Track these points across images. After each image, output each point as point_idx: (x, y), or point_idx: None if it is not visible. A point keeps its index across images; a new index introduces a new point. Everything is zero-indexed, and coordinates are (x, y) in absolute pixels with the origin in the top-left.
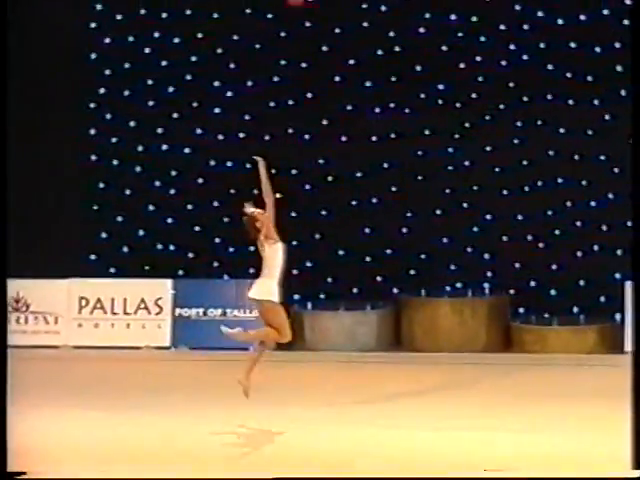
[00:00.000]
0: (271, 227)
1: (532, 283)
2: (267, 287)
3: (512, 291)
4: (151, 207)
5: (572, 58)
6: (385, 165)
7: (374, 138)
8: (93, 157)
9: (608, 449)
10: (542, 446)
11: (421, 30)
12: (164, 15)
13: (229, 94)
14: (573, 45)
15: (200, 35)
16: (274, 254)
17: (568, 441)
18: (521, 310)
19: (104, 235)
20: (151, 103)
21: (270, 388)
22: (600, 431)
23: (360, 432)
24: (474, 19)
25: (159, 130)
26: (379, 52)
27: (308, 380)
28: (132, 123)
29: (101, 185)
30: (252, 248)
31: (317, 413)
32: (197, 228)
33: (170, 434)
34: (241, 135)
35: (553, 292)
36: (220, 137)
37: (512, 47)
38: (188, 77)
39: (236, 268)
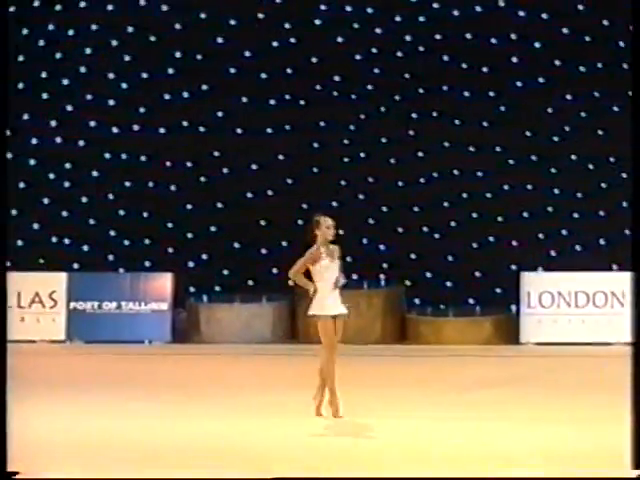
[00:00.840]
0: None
1: (428, 274)
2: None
3: (408, 282)
4: (45, 200)
5: (468, 49)
6: (280, 157)
7: (269, 130)
8: None
9: (505, 439)
10: (445, 437)
11: (317, 22)
12: (58, 7)
13: (124, 86)
14: (469, 36)
15: (94, 27)
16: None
17: (470, 431)
18: (417, 301)
19: None
20: (45, 96)
21: (166, 381)
22: (500, 419)
23: (258, 423)
24: (369, 10)
25: (53, 123)
26: (274, 44)
27: (204, 372)
28: (25, 116)
29: None
30: (147, 241)
31: (211, 405)
32: (92, 221)
33: (62, 427)
34: (136, 127)
35: (449, 283)
36: (115, 130)
37: (408, 38)
38: (82, 69)
39: (131, 261)
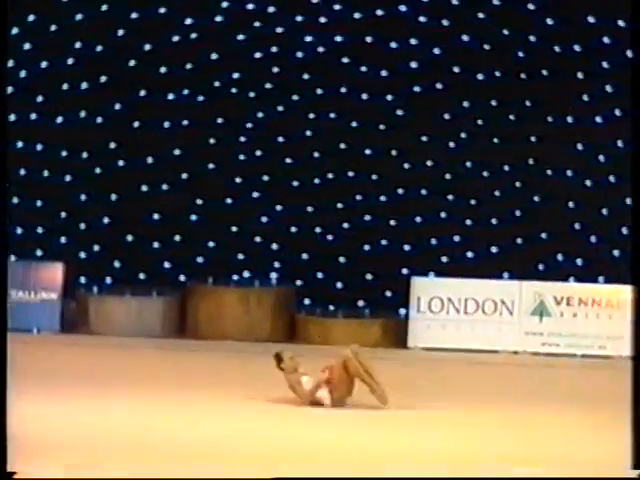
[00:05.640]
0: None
1: (319, 275)
2: None
3: (299, 282)
4: None
5: (367, 53)
6: (177, 152)
7: (167, 124)
8: None
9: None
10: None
11: (218, 19)
12: None
13: (23, 74)
14: (369, 40)
15: None
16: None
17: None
18: (307, 301)
19: None
20: None
21: (53, 372)
22: (391, 422)
23: (147, 417)
24: (271, 10)
25: None
26: (175, 39)
27: (91, 364)
28: None
29: None
30: (40, 230)
31: (99, 397)
32: None
33: None
34: (33, 116)
35: (339, 285)
36: (12, 117)
37: (309, 39)
38: None
39: (22, 250)
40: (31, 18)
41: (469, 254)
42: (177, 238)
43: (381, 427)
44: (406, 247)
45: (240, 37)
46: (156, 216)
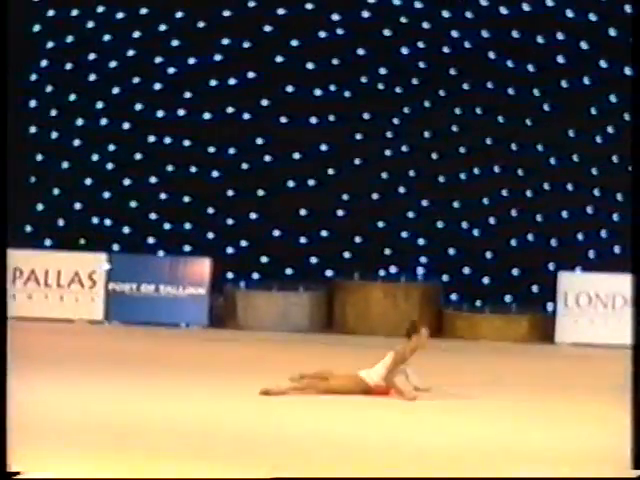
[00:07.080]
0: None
1: (465, 270)
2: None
3: (445, 277)
4: (88, 181)
5: (514, 48)
6: (323, 147)
7: (313, 120)
8: (32, 129)
9: (539, 437)
10: (470, 431)
11: (365, 14)
12: None
13: (171, 70)
14: (516, 35)
15: (144, 11)
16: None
17: (501, 430)
18: (453, 297)
19: (40, 207)
20: (92, 77)
21: (202, 365)
22: (531, 420)
23: (290, 412)
24: (418, 5)
25: (99, 105)
26: (322, 35)
27: (239, 359)
28: (72, 97)
29: (39, 157)
30: (188, 226)
31: (245, 392)
32: (133, 203)
33: (102, 407)
34: (181, 112)
35: (486, 280)
36: (160, 114)
37: (455, 34)
38: (130, 53)
39: (171, 245)
40: (179, 15)
41: (616, 249)
42: (324, 233)
43: (535, 421)
44: (553, 242)
45: (387, 32)
46: (303, 211)
